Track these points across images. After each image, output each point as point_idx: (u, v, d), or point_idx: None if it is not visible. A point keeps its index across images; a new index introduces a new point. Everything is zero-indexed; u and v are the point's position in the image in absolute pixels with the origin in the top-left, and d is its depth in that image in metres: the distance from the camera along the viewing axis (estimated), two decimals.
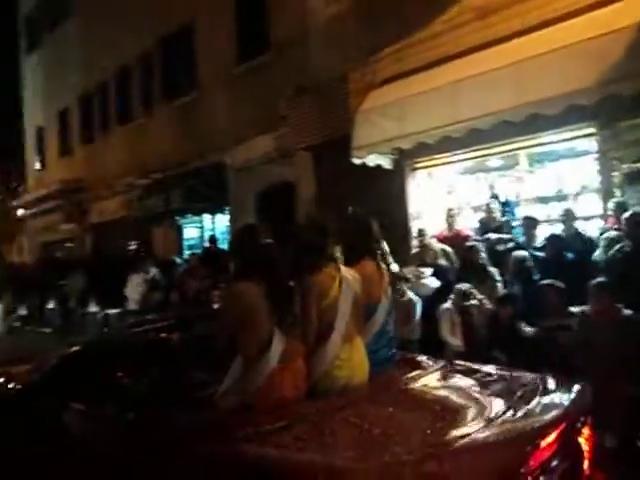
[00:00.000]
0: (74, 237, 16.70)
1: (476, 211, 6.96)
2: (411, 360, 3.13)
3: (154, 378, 2.94)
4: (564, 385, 2.52)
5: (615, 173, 5.62)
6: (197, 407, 2.54)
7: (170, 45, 12.12)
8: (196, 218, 11.83)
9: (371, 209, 7.19)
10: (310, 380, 2.62)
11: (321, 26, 8.32)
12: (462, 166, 7.15)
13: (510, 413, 2.20)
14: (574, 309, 4.34)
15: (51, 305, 11.70)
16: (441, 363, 2.98)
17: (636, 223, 4.59)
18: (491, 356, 4.62)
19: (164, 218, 11.81)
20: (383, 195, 7.33)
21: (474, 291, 5.16)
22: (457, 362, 3.11)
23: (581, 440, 2.31)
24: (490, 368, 2.98)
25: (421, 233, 6.40)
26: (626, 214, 4.73)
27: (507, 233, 5.98)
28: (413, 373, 2.84)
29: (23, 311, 13.47)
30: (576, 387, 2.49)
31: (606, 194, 5.62)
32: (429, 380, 2.77)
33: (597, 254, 4.83)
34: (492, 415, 2.19)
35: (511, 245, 5.63)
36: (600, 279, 4.16)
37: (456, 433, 2.02)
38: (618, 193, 5.52)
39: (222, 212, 10.91)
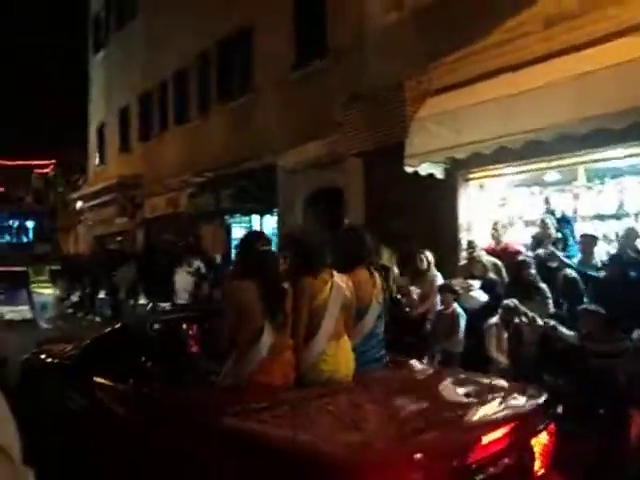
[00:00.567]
0: (126, 231, 17.28)
1: (528, 225, 6.79)
2: (400, 362, 3.48)
3: (168, 360, 3.39)
4: (531, 394, 2.80)
5: None
6: (199, 386, 3.02)
7: (228, 47, 12.40)
8: (245, 218, 12.02)
9: (421, 218, 7.22)
10: (299, 371, 2.96)
11: (379, 33, 8.32)
12: (517, 178, 6.98)
13: (464, 412, 2.57)
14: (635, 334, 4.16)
15: (102, 295, 12.15)
16: (427, 367, 3.38)
17: None
18: (538, 376, 4.49)
19: (214, 217, 12.05)
20: (433, 205, 7.26)
21: (523, 308, 5.03)
22: (448, 369, 3.43)
23: (536, 442, 2.53)
24: (474, 375, 3.33)
25: (471, 245, 6.30)
26: None
27: (562, 250, 5.79)
28: (396, 373, 3.25)
29: (76, 299, 14.07)
30: (543, 397, 2.73)
31: None
32: (408, 381, 3.18)
33: None
34: (446, 413, 2.57)
35: (565, 262, 5.45)
36: None
37: (408, 426, 2.38)
38: None
39: (271, 214, 11.05)
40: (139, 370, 3.15)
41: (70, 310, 13.64)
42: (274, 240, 10.02)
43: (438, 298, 5.75)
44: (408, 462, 2.06)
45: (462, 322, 5.34)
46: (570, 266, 5.31)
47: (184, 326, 3.77)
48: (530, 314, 4.94)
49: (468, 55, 6.58)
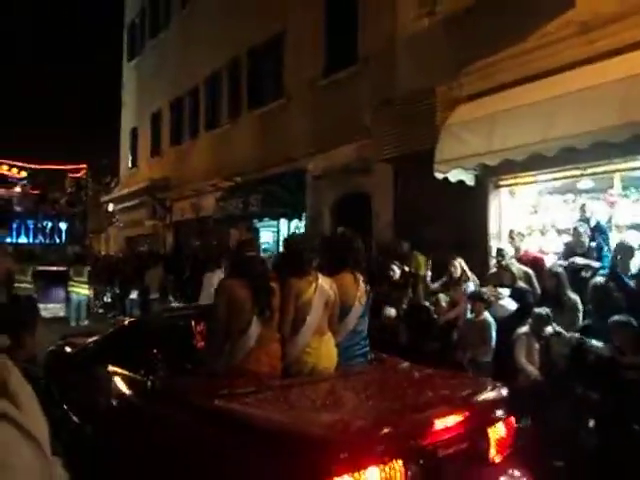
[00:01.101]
0: (156, 233, 17.57)
1: (560, 234, 6.66)
2: (383, 359, 3.75)
3: (174, 352, 3.73)
4: (492, 389, 3.08)
5: None
6: (198, 374, 3.34)
7: (259, 54, 12.55)
8: (273, 222, 12.09)
9: (450, 225, 7.15)
10: (285, 362, 3.29)
11: (410, 39, 8.30)
12: (549, 186, 6.86)
13: (427, 401, 2.94)
14: None
15: (133, 296, 12.36)
16: (406, 364, 3.62)
17: None
18: (570, 388, 4.38)
19: (242, 220, 12.16)
20: (463, 211, 7.18)
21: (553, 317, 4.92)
22: (423, 366, 3.64)
23: (492, 431, 2.84)
24: (446, 373, 3.65)
25: (500, 253, 6.20)
26: None
27: (596, 260, 5.65)
28: (376, 368, 3.56)
29: (107, 300, 14.34)
30: (503, 392, 3.03)
31: None
32: (384, 375, 3.49)
33: None
34: (411, 401, 2.94)
35: (599, 272, 5.32)
36: None
37: (373, 411, 2.77)
38: None
39: (299, 218, 11.09)
40: (149, 360, 3.45)
41: (101, 310, 13.92)
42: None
43: (468, 306, 5.68)
44: (371, 439, 2.39)
45: (493, 331, 5.25)
46: (604, 276, 5.17)
47: (191, 323, 4.12)
48: (557, 328, 4.83)
49: (500, 61, 6.52)
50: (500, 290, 5.72)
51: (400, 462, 2.37)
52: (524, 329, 5.04)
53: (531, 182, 6.91)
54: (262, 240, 12.44)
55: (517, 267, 6.01)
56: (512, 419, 2.99)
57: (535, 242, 6.80)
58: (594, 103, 5.17)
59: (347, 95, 9.60)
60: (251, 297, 3.23)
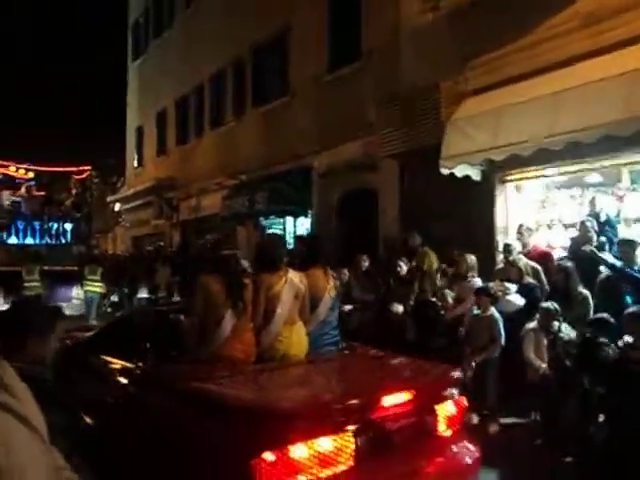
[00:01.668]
0: (162, 232, 17.62)
1: (567, 228, 6.61)
2: (352, 347, 4.04)
3: (162, 342, 3.98)
4: (443, 371, 3.46)
5: None
6: (179, 361, 3.65)
7: (263, 51, 12.54)
8: (279, 220, 12.10)
9: (457, 221, 7.12)
10: (259, 349, 3.61)
11: (414, 34, 8.26)
12: (556, 180, 6.82)
13: (380, 381, 3.31)
14: None
15: (140, 294, 12.40)
16: (373, 352, 3.90)
17: None
18: (579, 383, 4.36)
19: (248, 218, 12.17)
20: (469, 207, 7.15)
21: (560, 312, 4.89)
22: (388, 354, 3.87)
23: (440, 408, 3.16)
24: (405, 359, 3.84)
25: (507, 248, 6.17)
26: None
27: (605, 253, 5.60)
28: (344, 355, 3.89)
29: (115, 298, 14.40)
30: (455, 374, 3.39)
31: None
32: (350, 361, 3.84)
33: None
34: (368, 382, 3.29)
35: (609, 264, 5.26)
36: None
37: (332, 391, 3.25)
38: None
39: (305, 215, 11.08)
40: (139, 350, 3.75)
41: (109, 309, 13.97)
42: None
43: (473, 301, 5.65)
44: (323, 413, 2.75)
45: (500, 326, 5.23)
46: (614, 268, 5.13)
47: (178, 316, 4.40)
48: (564, 324, 4.80)
49: (505, 55, 6.48)
50: (507, 285, 5.69)
51: (350, 433, 2.69)
52: (532, 324, 5.02)
53: (538, 177, 6.86)
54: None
55: (525, 262, 5.98)
56: (463, 399, 3.32)
57: (542, 237, 6.77)
58: (600, 96, 5.12)
59: (352, 91, 9.57)
60: (225, 291, 3.55)
